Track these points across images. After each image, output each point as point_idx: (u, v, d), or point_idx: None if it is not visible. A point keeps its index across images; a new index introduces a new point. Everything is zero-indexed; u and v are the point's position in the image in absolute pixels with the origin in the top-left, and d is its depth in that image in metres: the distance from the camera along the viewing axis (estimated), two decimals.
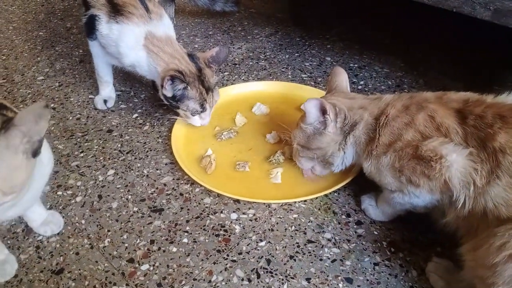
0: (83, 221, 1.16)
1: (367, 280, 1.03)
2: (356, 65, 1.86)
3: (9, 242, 1.11)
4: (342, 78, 1.24)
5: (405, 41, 2.02)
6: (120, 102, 1.61)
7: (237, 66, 1.84)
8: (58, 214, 1.15)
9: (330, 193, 1.24)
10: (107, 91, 1.58)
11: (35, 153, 0.77)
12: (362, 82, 1.74)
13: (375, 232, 1.14)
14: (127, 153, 1.38)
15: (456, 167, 0.91)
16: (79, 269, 1.05)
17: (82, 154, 1.37)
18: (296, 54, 1.93)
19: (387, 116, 1.04)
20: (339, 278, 1.03)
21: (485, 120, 0.91)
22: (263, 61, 1.88)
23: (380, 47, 1.95)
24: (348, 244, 1.11)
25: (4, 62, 1.85)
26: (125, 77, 1.74)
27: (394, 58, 1.89)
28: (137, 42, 1.33)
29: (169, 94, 1.32)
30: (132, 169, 1.32)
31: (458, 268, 0.94)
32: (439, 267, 1.01)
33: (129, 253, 1.08)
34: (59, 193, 1.24)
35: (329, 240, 1.12)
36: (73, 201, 1.22)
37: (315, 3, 2.43)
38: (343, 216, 1.19)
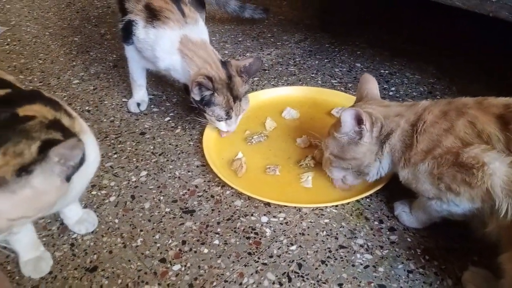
0: (116, 221, 1.18)
1: (401, 287, 1.00)
2: (386, 71, 1.84)
3: (44, 239, 1.13)
4: (372, 85, 1.22)
5: (437, 47, 1.99)
6: (152, 106, 1.64)
7: (266, 71, 1.85)
8: (93, 213, 1.17)
9: (362, 198, 1.22)
10: (141, 94, 1.61)
11: (69, 178, 0.79)
12: (393, 89, 1.73)
13: (409, 239, 1.12)
14: (159, 155, 1.40)
15: (499, 175, 0.89)
16: (112, 267, 1.06)
17: (115, 156, 1.40)
18: (326, 60, 1.92)
19: (425, 122, 1.02)
20: (372, 284, 1.01)
21: None
22: (292, 67, 1.88)
23: (411, 54, 1.93)
24: (381, 250, 1.09)
25: (41, 66, 1.90)
26: (158, 82, 1.77)
27: (426, 64, 1.86)
28: (172, 46, 1.35)
29: (197, 97, 1.34)
30: (164, 171, 1.34)
31: (496, 278, 0.91)
32: (476, 276, 0.98)
33: (161, 253, 1.09)
34: (94, 192, 1.27)
35: (361, 246, 1.10)
36: (107, 200, 1.24)
37: (344, 10, 2.43)
38: (376, 222, 1.17)
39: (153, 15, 1.37)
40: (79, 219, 1.14)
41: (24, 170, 0.71)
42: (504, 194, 0.88)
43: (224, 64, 1.36)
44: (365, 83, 1.22)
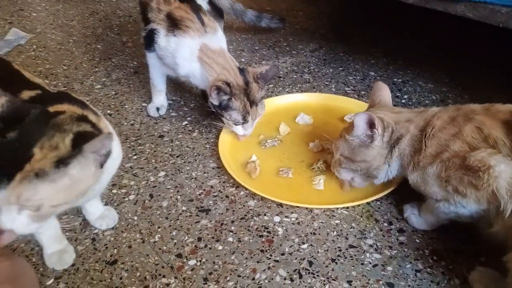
0: (135, 218, 1.24)
1: (409, 285, 1.04)
2: (400, 80, 1.87)
3: (67, 234, 1.19)
4: (384, 93, 1.27)
5: (450, 56, 2.02)
6: (171, 110, 1.71)
7: (281, 79, 1.90)
8: (114, 210, 1.23)
9: (372, 201, 1.26)
10: (160, 99, 1.67)
11: (102, 165, 0.86)
12: (406, 96, 1.76)
13: (417, 240, 1.15)
14: (177, 156, 1.46)
15: (504, 178, 0.92)
16: (131, 261, 1.11)
17: (135, 157, 1.46)
18: (340, 69, 1.97)
19: (434, 127, 1.06)
20: (380, 282, 1.04)
21: None
22: (307, 75, 1.93)
23: (425, 63, 1.97)
24: (390, 250, 1.12)
25: (65, 72, 1.99)
26: (176, 88, 1.84)
27: (439, 73, 1.89)
28: (192, 53, 1.42)
29: (215, 102, 1.40)
30: (181, 172, 1.39)
31: (503, 277, 0.93)
32: (483, 276, 1.01)
33: (177, 248, 1.14)
34: (114, 191, 1.33)
35: (370, 246, 1.14)
36: (127, 199, 1.30)
37: (359, 20, 2.48)
38: (385, 224, 1.20)
39: (174, 24, 1.43)
40: (101, 215, 1.20)
41: (62, 162, 0.77)
42: (509, 195, 0.91)
43: (242, 71, 1.42)
44: (378, 91, 1.26)
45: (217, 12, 2.10)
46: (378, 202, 1.26)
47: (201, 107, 1.71)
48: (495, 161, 0.92)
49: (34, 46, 2.23)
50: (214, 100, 1.38)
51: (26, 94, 0.98)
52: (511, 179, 0.90)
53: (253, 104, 1.42)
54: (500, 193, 0.92)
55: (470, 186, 0.96)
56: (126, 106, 1.74)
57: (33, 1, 2.80)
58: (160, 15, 1.45)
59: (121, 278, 1.07)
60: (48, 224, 1.09)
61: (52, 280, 1.07)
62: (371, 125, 1.11)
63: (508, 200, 0.91)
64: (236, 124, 1.42)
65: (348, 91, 1.80)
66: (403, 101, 1.73)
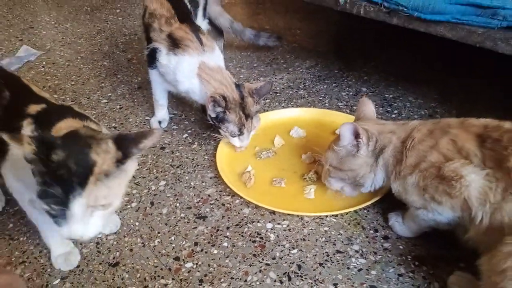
0: (137, 223, 1.32)
1: None
2: (391, 96, 1.96)
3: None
4: (368, 107, 1.35)
5: (440, 73, 2.11)
6: (172, 124, 1.80)
7: (278, 94, 1.99)
8: (116, 216, 1.32)
9: (360, 209, 1.33)
10: (162, 113, 1.77)
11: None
12: (396, 111, 1.85)
13: (401, 247, 1.22)
14: (177, 167, 1.55)
15: (474, 186, 1.00)
16: (132, 264, 1.19)
17: (138, 167, 1.54)
18: (334, 85, 2.06)
19: (414, 139, 1.14)
20: (364, 285, 1.12)
21: (502, 143, 0.99)
22: (302, 91, 2.02)
23: (416, 79, 2.05)
24: (375, 256, 1.20)
25: (73, 87, 2.10)
26: (178, 102, 1.94)
27: (429, 89, 1.98)
28: (191, 71, 1.52)
29: (212, 114, 1.49)
30: (181, 181, 1.48)
31: (479, 281, 1.00)
32: (460, 280, 1.08)
33: (175, 252, 1.22)
34: None
35: (356, 251, 1.21)
36: (129, 206, 1.39)
37: (355, 38, 2.58)
38: (371, 231, 1.28)
39: (174, 44, 1.54)
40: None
41: (120, 161, 0.89)
42: (478, 203, 0.99)
43: (238, 86, 1.51)
44: (363, 105, 1.35)
45: (218, 31, 2.21)
46: (365, 211, 1.34)
47: (201, 120, 1.81)
48: (466, 171, 1.00)
49: (44, 63, 2.34)
50: (211, 112, 1.48)
51: (33, 109, 1.07)
52: (481, 188, 0.98)
53: (248, 117, 1.51)
54: (471, 201, 1.00)
55: (445, 194, 1.04)
56: (130, 120, 1.83)
57: (42, 19, 2.94)
58: (162, 35, 1.56)
59: (122, 279, 1.15)
60: (54, 229, 1.18)
61: (58, 280, 1.16)
62: (356, 135, 1.19)
63: (478, 208, 0.99)
64: (232, 136, 1.51)
65: (341, 106, 1.89)
66: (393, 115, 1.82)
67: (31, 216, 1.15)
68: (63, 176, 0.85)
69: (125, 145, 0.91)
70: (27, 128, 1.03)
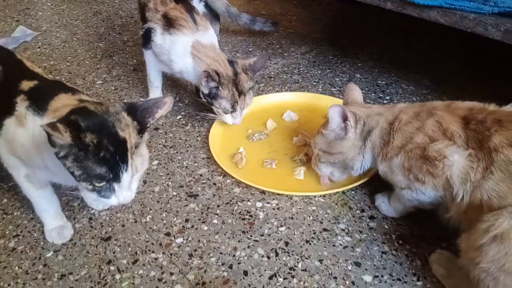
0: None
1: (374, 265, 1.14)
2: (383, 82, 1.98)
3: (67, 213, 1.30)
4: (356, 92, 1.38)
5: (433, 61, 2.13)
6: None
7: (272, 79, 2.01)
8: None
9: (348, 190, 1.37)
10: (156, 94, 1.79)
11: None
12: (388, 97, 1.87)
13: (386, 226, 1.26)
14: (170, 147, 1.57)
15: (457, 166, 1.03)
16: (124, 238, 1.22)
17: None
18: (328, 71, 2.08)
19: (400, 121, 1.17)
20: (349, 261, 1.15)
21: (485, 124, 1.02)
22: (296, 76, 2.04)
23: (409, 66, 2.08)
24: (360, 234, 1.23)
25: (68, 68, 2.11)
26: (172, 84, 1.95)
27: (421, 77, 2.00)
28: (185, 50, 1.53)
29: (205, 90, 1.51)
30: (174, 161, 1.50)
31: (458, 259, 1.04)
32: (441, 257, 1.12)
33: (166, 228, 1.25)
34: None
35: (342, 230, 1.25)
36: None
37: (350, 26, 2.59)
38: (358, 211, 1.31)
39: (169, 23, 1.55)
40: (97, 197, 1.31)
41: (140, 133, 0.98)
42: (460, 182, 1.02)
43: (231, 62, 1.53)
44: (350, 91, 1.38)
45: (214, 15, 2.22)
46: (353, 192, 1.37)
47: (195, 103, 1.82)
48: (449, 152, 1.03)
49: (40, 43, 2.35)
50: (204, 88, 1.49)
51: (26, 85, 1.09)
52: (463, 168, 1.01)
53: (242, 94, 1.53)
54: (453, 180, 1.02)
55: (428, 174, 1.07)
56: (125, 101, 1.85)
57: (39, 1, 2.93)
58: (157, 15, 1.57)
59: (114, 253, 1.18)
60: (50, 203, 1.20)
61: (51, 252, 1.18)
62: (344, 117, 1.21)
63: (459, 186, 1.02)
64: (225, 113, 1.53)
65: (334, 91, 1.91)
66: (385, 101, 1.84)
67: (25, 191, 1.18)
68: (105, 157, 0.90)
69: (139, 115, 0.97)
70: (22, 105, 1.05)
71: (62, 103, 1.02)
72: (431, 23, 1.49)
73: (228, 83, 1.49)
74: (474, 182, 0.99)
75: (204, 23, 1.58)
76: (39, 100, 1.04)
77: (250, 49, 2.30)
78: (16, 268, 1.15)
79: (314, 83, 1.98)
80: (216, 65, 1.50)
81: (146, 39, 1.62)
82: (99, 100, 1.15)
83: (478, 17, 1.35)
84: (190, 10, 1.58)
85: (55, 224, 1.22)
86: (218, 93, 1.49)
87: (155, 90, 1.79)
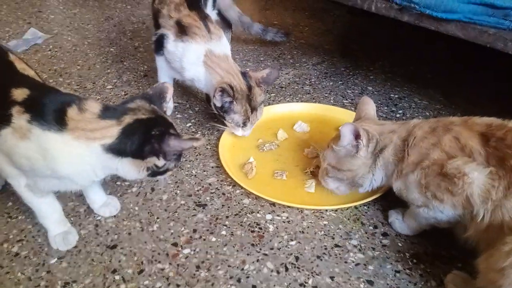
0: (136, 208, 1.32)
1: (387, 284, 1.10)
2: (396, 96, 1.96)
3: (72, 219, 1.28)
4: (370, 107, 1.34)
5: (447, 76, 2.11)
6: (176, 112, 1.80)
7: (283, 89, 1.99)
8: (116, 199, 1.32)
9: (360, 205, 1.33)
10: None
11: None
12: (400, 111, 1.84)
13: (400, 244, 1.22)
14: None
15: (477, 184, 0.99)
16: (130, 247, 1.19)
17: None
18: (340, 82, 2.06)
19: (415, 137, 1.13)
20: (361, 279, 1.11)
21: (505, 142, 0.99)
22: (307, 86, 2.02)
23: (422, 81, 2.05)
24: (373, 251, 1.19)
25: (78, 72, 2.10)
26: (183, 91, 1.94)
27: (434, 91, 1.97)
28: (198, 58, 1.51)
29: (218, 104, 1.49)
30: (183, 169, 1.48)
31: (475, 280, 1.00)
32: (457, 278, 1.08)
33: (173, 238, 1.22)
34: (118, 183, 1.41)
35: (355, 246, 1.21)
36: (129, 190, 1.38)
37: (363, 38, 2.57)
38: (370, 227, 1.27)
39: (182, 31, 1.53)
40: (104, 203, 1.28)
41: None
42: (481, 200, 0.98)
43: (244, 75, 1.51)
44: (364, 105, 1.35)
45: (226, 23, 2.21)
46: (365, 207, 1.34)
47: (205, 111, 1.80)
48: (469, 169, 1.00)
49: (51, 46, 2.34)
50: (217, 101, 1.47)
51: (19, 94, 1.01)
52: (483, 186, 0.98)
53: (254, 110, 1.51)
54: (473, 199, 0.99)
55: (447, 192, 1.03)
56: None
57: (51, 4, 2.94)
58: (170, 21, 1.55)
59: (119, 261, 1.15)
60: (53, 208, 1.18)
61: (55, 259, 1.16)
62: (356, 135, 1.18)
63: (480, 205, 0.99)
64: (236, 127, 1.50)
65: (345, 103, 1.88)
66: (398, 115, 1.81)
67: (27, 200, 1.14)
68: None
69: (153, 102, 1.08)
70: (20, 117, 0.98)
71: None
72: (446, 37, 1.46)
73: (242, 98, 1.47)
74: (496, 201, 0.96)
75: (218, 32, 1.57)
76: (46, 113, 0.99)
77: (261, 59, 2.29)
78: (19, 274, 1.12)
79: (326, 95, 1.95)
80: (230, 78, 1.48)
81: (159, 45, 1.60)
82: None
83: (498, 32, 1.32)
84: (204, 18, 1.57)
85: (59, 230, 1.19)
86: (232, 108, 1.47)
87: None
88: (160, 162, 1.04)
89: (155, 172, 1.06)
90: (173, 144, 1.01)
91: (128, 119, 1.01)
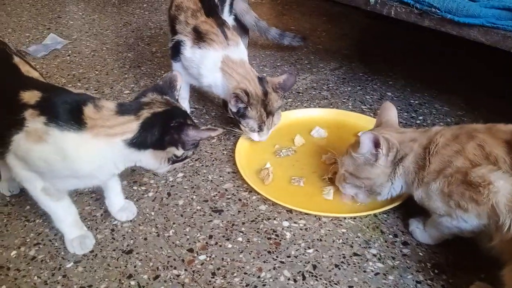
0: (152, 213, 1.31)
1: None
2: (416, 102, 1.92)
3: (89, 223, 1.28)
4: (391, 112, 1.31)
5: (467, 82, 2.06)
6: (193, 117, 1.76)
7: (300, 94, 1.97)
8: (133, 204, 1.31)
9: (380, 213, 1.30)
10: (184, 107, 1.76)
11: None
12: (421, 117, 1.80)
13: (420, 254, 1.18)
14: (195, 160, 1.54)
15: (503, 193, 0.96)
16: (146, 252, 1.19)
17: None
18: (358, 88, 2.03)
19: (437, 144, 1.10)
20: None
21: None
22: (325, 92, 2.00)
23: (443, 87, 2.00)
24: (393, 261, 1.16)
25: (97, 76, 2.11)
26: (200, 97, 1.93)
27: (456, 97, 1.93)
28: (215, 65, 1.51)
29: (233, 109, 1.49)
30: (199, 174, 1.47)
31: None
32: None
33: (189, 244, 1.21)
34: (135, 188, 1.41)
35: (374, 255, 1.18)
36: (146, 195, 1.38)
37: (381, 43, 2.54)
38: (390, 236, 1.24)
39: (199, 37, 1.53)
40: (122, 208, 1.29)
41: None
42: (507, 210, 0.95)
43: (261, 80, 1.50)
44: (386, 110, 1.32)
45: (243, 28, 2.20)
46: (385, 215, 1.31)
47: (221, 116, 1.79)
48: (495, 177, 0.96)
49: (70, 52, 2.37)
50: (232, 107, 1.47)
51: (30, 97, 1.02)
52: (510, 195, 0.94)
53: (270, 115, 1.49)
54: (500, 208, 0.96)
55: (471, 201, 1.00)
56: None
57: (70, 10, 2.98)
58: (187, 28, 1.55)
59: (135, 267, 1.14)
60: (68, 211, 1.18)
61: (72, 263, 1.15)
62: (376, 144, 1.15)
63: (506, 215, 0.95)
64: (252, 131, 1.49)
65: (364, 109, 1.85)
66: (418, 121, 1.78)
67: (43, 204, 1.14)
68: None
69: (165, 93, 1.11)
70: (36, 120, 0.99)
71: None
72: (467, 42, 1.43)
73: (257, 103, 1.46)
74: None
75: (235, 38, 1.56)
76: (62, 114, 1.00)
77: (278, 64, 2.27)
78: (35, 277, 1.12)
79: (344, 100, 1.93)
80: (246, 83, 1.47)
81: (175, 51, 1.60)
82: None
83: None
84: (221, 24, 1.56)
85: (76, 233, 1.19)
86: (246, 113, 1.47)
87: (183, 102, 1.76)
88: (179, 152, 1.07)
89: (174, 161, 1.10)
90: (192, 134, 1.05)
91: (145, 113, 1.03)
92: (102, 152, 1.02)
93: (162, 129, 1.04)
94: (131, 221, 1.28)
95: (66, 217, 1.18)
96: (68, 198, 1.17)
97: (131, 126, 1.02)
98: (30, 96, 1.03)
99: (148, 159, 1.07)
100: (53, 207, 1.15)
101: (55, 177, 1.06)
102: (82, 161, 1.02)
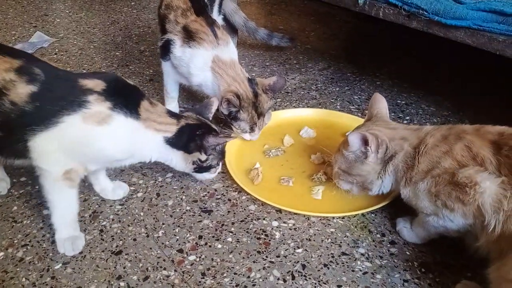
0: (141, 213, 1.31)
1: None
2: (403, 102, 1.94)
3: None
4: (382, 105, 1.33)
5: (454, 82, 2.09)
6: None
7: (289, 94, 1.98)
8: (123, 183, 1.38)
9: (368, 213, 1.32)
10: (172, 106, 1.76)
11: None
12: (407, 118, 1.83)
13: (408, 253, 1.20)
14: None
15: (489, 194, 0.98)
16: (135, 253, 1.18)
17: None
18: (346, 88, 2.05)
19: (427, 145, 1.12)
20: None
21: None
22: (314, 92, 2.01)
23: (429, 87, 2.03)
24: (381, 260, 1.18)
25: None
26: (188, 96, 1.93)
27: (442, 98, 1.96)
28: (205, 64, 1.51)
29: (225, 112, 1.49)
30: (188, 174, 1.46)
31: None
32: None
33: (179, 244, 1.21)
34: None
35: (362, 254, 1.19)
36: (135, 196, 1.38)
37: (369, 44, 2.56)
38: (378, 235, 1.26)
39: (189, 36, 1.53)
40: (114, 187, 1.35)
41: None
42: (492, 210, 0.97)
43: (251, 82, 1.50)
44: (376, 103, 1.33)
45: (232, 28, 2.20)
46: (373, 215, 1.32)
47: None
48: (481, 178, 0.98)
49: (57, 50, 2.35)
50: (224, 110, 1.48)
51: (94, 84, 1.12)
52: (495, 195, 0.96)
53: (261, 116, 1.50)
54: (485, 208, 0.97)
55: (458, 201, 1.02)
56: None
57: (57, 8, 2.95)
58: (177, 27, 1.55)
59: (124, 268, 1.14)
60: (69, 208, 1.18)
61: (60, 265, 1.15)
62: (365, 142, 1.17)
63: (492, 215, 0.97)
64: (244, 132, 1.50)
65: (352, 109, 1.87)
66: (405, 121, 1.80)
67: (55, 192, 1.15)
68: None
69: (201, 114, 1.34)
70: (101, 104, 1.09)
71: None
72: (454, 43, 1.45)
73: (248, 106, 1.48)
74: (508, 211, 0.94)
75: (225, 38, 1.56)
76: (127, 103, 1.14)
77: (267, 63, 2.28)
78: (23, 279, 1.11)
79: (332, 100, 1.94)
80: (236, 86, 1.48)
81: (165, 50, 1.59)
82: None
83: (507, 39, 1.31)
84: (211, 23, 1.56)
85: (70, 233, 1.19)
86: (238, 116, 1.49)
87: (172, 101, 1.76)
88: (203, 157, 1.27)
89: (200, 167, 1.29)
90: (211, 140, 1.25)
91: (183, 122, 1.25)
92: (146, 141, 1.19)
93: (190, 136, 1.24)
94: (120, 221, 1.28)
95: (67, 211, 1.18)
96: (77, 192, 1.18)
97: (172, 128, 1.23)
98: (95, 84, 1.12)
99: (178, 158, 1.27)
100: (63, 196, 1.16)
101: (92, 155, 1.15)
102: (129, 144, 1.17)
